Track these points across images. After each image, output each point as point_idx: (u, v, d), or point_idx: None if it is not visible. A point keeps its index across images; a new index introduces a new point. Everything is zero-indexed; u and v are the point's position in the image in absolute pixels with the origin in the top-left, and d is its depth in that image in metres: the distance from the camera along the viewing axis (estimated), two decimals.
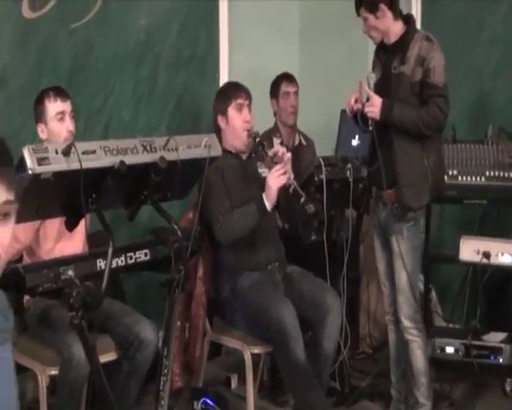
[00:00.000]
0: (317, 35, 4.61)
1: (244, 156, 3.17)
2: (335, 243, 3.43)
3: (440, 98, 2.90)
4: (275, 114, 4.06)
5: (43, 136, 2.90)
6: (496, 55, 4.04)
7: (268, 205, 2.91)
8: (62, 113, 2.89)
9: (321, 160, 3.26)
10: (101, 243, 2.84)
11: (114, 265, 2.41)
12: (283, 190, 2.93)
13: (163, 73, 4.01)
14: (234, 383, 3.72)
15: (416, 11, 4.23)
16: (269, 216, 3.02)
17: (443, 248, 3.80)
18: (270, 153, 3.00)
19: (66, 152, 2.13)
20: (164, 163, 2.39)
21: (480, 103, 4.04)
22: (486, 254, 2.59)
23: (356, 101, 2.99)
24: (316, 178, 3.22)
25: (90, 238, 2.75)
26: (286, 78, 4.04)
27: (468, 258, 2.65)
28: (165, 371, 2.64)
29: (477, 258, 2.61)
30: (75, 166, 2.14)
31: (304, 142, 4.08)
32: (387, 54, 3.03)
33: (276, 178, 2.89)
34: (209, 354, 3.29)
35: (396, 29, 2.99)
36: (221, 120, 3.12)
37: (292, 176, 2.94)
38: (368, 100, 2.94)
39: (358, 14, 3.02)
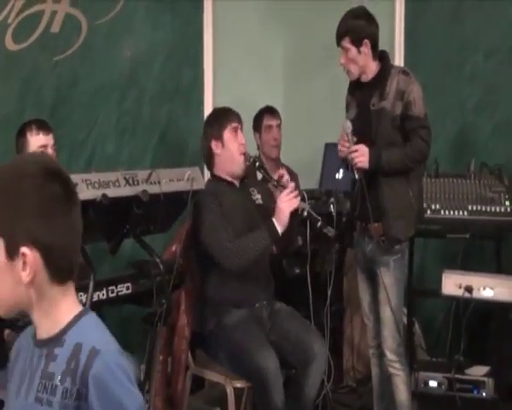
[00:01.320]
0: (300, 70, 4.64)
1: (237, 183, 3.13)
2: (319, 277, 3.44)
3: (423, 130, 2.96)
4: (258, 148, 4.09)
5: None
6: (478, 91, 4.11)
7: (279, 229, 2.85)
8: (44, 146, 2.92)
9: (304, 193, 3.27)
10: (83, 275, 2.87)
11: (96, 298, 2.43)
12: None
13: (147, 106, 4.04)
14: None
15: (399, 47, 4.28)
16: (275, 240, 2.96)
17: (425, 282, 3.83)
18: (276, 176, 2.99)
19: None
20: (146, 196, 2.42)
21: (463, 138, 4.10)
22: (468, 289, 2.62)
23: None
24: (299, 212, 3.22)
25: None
26: (268, 111, 4.08)
27: (450, 292, 2.68)
28: (147, 405, 2.64)
29: (459, 292, 2.64)
30: None
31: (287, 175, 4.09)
32: (364, 91, 3.04)
33: (289, 202, 2.86)
34: (192, 387, 3.26)
35: (373, 67, 3.02)
36: (215, 146, 3.06)
37: (307, 206, 2.95)
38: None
39: (339, 45, 3.02)
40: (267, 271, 3.14)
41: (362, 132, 3.01)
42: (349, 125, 3.00)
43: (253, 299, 3.04)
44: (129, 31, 3.93)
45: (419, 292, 3.68)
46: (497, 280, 2.59)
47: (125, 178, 2.42)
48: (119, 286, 2.53)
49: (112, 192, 2.34)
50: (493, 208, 3.40)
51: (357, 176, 2.98)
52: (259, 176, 3.48)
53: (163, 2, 4.11)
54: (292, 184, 2.93)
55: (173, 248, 3.12)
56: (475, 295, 2.62)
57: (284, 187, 2.92)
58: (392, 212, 2.97)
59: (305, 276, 3.26)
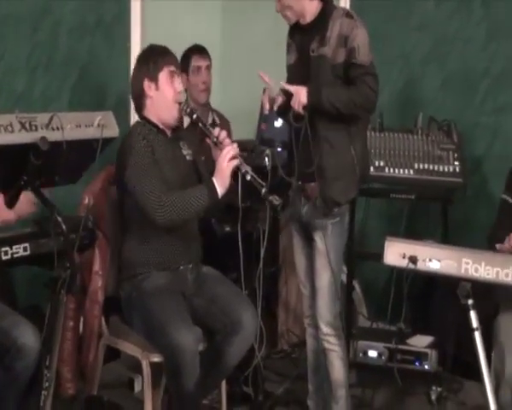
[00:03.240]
0: (241, 3, 4.37)
1: (169, 133, 2.87)
2: (251, 236, 3.22)
3: (368, 76, 2.74)
4: (186, 91, 3.79)
5: None
6: (427, 41, 3.89)
7: (219, 190, 2.65)
8: None
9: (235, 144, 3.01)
10: None
11: None
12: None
13: (64, 39, 3.72)
14: (137, 386, 3.50)
15: None
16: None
17: (367, 245, 3.66)
18: (216, 133, 2.72)
19: None
20: (45, 144, 2.12)
21: (410, 90, 3.90)
22: (413, 259, 2.41)
23: (271, 101, 2.82)
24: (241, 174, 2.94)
25: None
26: (197, 50, 3.77)
27: (393, 262, 2.46)
28: (47, 383, 2.38)
29: (403, 262, 2.43)
30: None
31: (217, 121, 3.84)
32: (303, 35, 2.83)
33: (227, 161, 2.63)
34: (108, 355, 3.02)
35: (312, 8, 2.79)
36: (148, 86, 2.78)
37: (249, 168, 2.70)
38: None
39: None
40: (194, 230, 2.92)
41: (300, 80, 2.79)
42: (275, 93, 2.80)
43: (177, 261, 2.82)
44: None
45: (360, 256, 3.51)
46: (444, 251, 2.39)
47: (20, 122, 2.13)
48: (15, 247, 2.25)
49: (2, 138, 2.03)
50: (441, 168, 3.26)
51: (293, 123, 2.76)
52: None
53: None
54: (234, 145, 2.69)
55: (85, 201, 2.82)
56: (420, 266, 2.41)
57: (223, 145, 2.68)
58: (330, 170, 2.76)
59: (236, 235, 3.05)
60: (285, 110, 2.83)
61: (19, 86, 3.56)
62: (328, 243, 2.84)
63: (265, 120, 4.02)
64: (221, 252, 3.26)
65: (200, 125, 2.74)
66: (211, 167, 2.77)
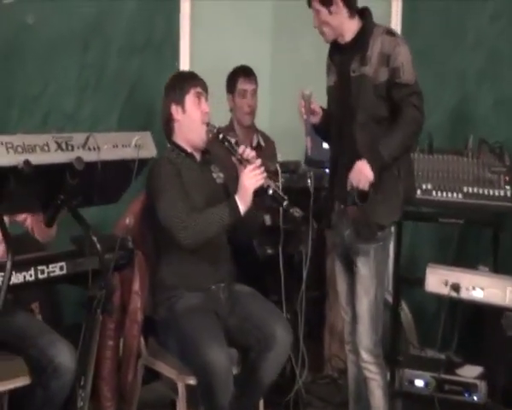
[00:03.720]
0: (290, 26, 4.36)
1: (198, 157, 2.92)
2: (293, 258, 3.18)
3: (414, 96, 2.67)
4: (231, 110, 3.80)
5: None
6: (480, 59, 3.80)
7: (242, 208, 2.67)
8: None
9: (278, 166, 3.00)
10: (27, 247, 2.61)
11: (21, 280, 2.17)
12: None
13: (114, 59, 3.76)
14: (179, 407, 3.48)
15: (396, 9, 4.00)
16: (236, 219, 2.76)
17: (415, 270, 3.56)
18: (241, 150, 2.75)
19: None
20: (81, 164, 2.13)
21: (462, 110, 3.80)
22: (455, 287, 2.35)
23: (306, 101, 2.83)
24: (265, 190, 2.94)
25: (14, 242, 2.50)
26: (243, 73, 3.77)
27: (434, 289, 2.42)
28: (82, 403, 2.38)
29: (445, 290, 2.37)
30: None
31: (262, 143, 3.83)
32: (343, 55, 2.79)
33: (252, 178, 2.66)
34: (147, 376, 3.03)
35: (351, 26, 2.75)
36: (175, 110, 2.86)
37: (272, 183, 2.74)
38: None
39: (310, 6, 2.77)
40: (224, 249, 2.92)
41: (340, 102, 2.76)
42: (307, 92, 2.81)
43: (208, 281, 2.83)
44: None
45: (407, 281, 3.41)
46: (488, 280, 2.33)
47: (56, 143, 2.13)
48: (51, 266, 2.26)
49: (38, 158, 2.06)
50: (492, 192, 3.13)
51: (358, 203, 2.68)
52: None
53: None
54: (258, 161, 2.70)
55: (126, 222, 2.84)
56: (463, 294, 2.35)
57: (249, 162, 2.70)
58: (373, 193, 2.68)
59: (278, 257, 3.04)
60: (322, 127, 2.84)
61: (69, 106, 3.61)
62: (370, 268, 2.78)
63: (314, 141, 3.99)
64: (263, 274, 3.25)
65: (225, 143, 2.76)
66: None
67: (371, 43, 2.69)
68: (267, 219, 2.83)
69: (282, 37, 4.44)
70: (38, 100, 3.48)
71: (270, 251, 3.26)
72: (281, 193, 2.66)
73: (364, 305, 2.80)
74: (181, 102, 2.85)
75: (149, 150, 2.39)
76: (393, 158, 2.66)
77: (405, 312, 3.70)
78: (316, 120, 2.84)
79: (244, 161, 2.70)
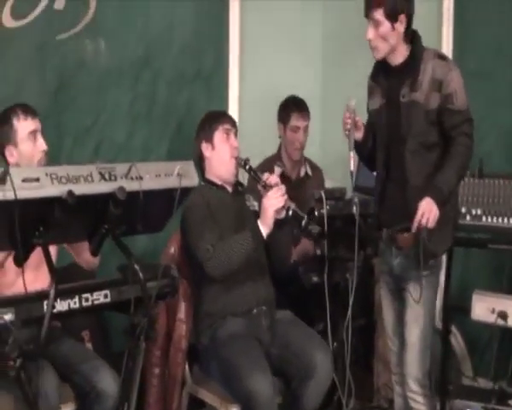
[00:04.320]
0: (340, 54, 4.38)
1: (230, 189, 3.01)
2: (339, 286, 3.16)
3: (467, 123, 2.65)
4: (280, 137, 3.82)
5: (12, 159, 2.72)
6: None
7: (264, 230, 2.75)
8: (34, 131, 2.72)
9: (322, 193, 3.01)
10: (76, 275, 2.68)
11: (65, 308, 2.22)
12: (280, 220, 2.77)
13: (163, 91, 3.84)
14: None
15: (447, 29, 3.94)
16: (257, 251, 2.82)
17: (466, 298, 3.47)
18: (264, 177, 2.83)
19: (1, 179, 1.94)
20: (123, 194, 2.18)
21: None
22: (502, 315, 2.29)
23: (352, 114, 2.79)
24: (316, 214, 2.97)
25: (62, 272, 2.58)
26: (297, 108, 3.76)
27: (481, 317, 2.38)
28: None
29: (491, 318, 2.32)
30: (11, 195, 1.94)
31: (310, 172, 3.85)
32: (391, 78, 2.74)
33: (273, 200, 2.74)
34: (192, 405, 3.04)
35: (403, 49, 2.71)
36: (206, 148, 3.00)
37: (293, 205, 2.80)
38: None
39: (368, 16, 2.69)
40: (263, 273, 2.96)
41: (390, 128, 2.73)
42: (352, 103, 2.77)
43: (250, 304, 2.87)
44: (144, 7, 3.72)
45: (456, 309, 3.34)
46: None
47: (100, 173, 2.19)
48: (96, 294, 2.30)
49: (82, 189, 2.12)
50: None
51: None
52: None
53: None
54: (282, 187, 2.78)
55: (171, 251, 2.91)
56: (510, 323, 2.28)
57: (272, 188, 2.77)
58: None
59: (323, 285, 3.02)
60: (362, 146, 2.81)
61: (120, 136, 3.70)
62: (422, 295, 2.72)
63: (362, 168, 3.97)
64: (308, 302, 3.24)
65: (251, 173, 2.86)
66: None
67: (422, 68, 2.65)
68: (315, 227, 2.84)
69: (331, 64, 4.46)
70: (90, 131, 3.58)
71: (315, 279, 3.25)
72: (300, 212, 2.73)
73: (414, 334, 2.75)
74: (210, 140, 2.96)
75: (192, 179, 2.43)
76: (452, 191, 2.66)
77: (458, 340, 3.61)
78: (359, 135, 2.81)
79: (268, 188, 2.77)
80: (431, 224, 2.58)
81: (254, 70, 4.19)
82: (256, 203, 3.00)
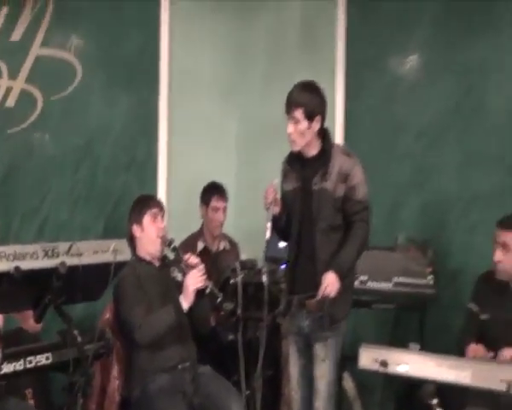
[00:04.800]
0: (251, 147, 4.54)
1: (157, 263, 3.04)
2: (251, 342, 3.22)
3: (365, 211, 2.76)
4: (202, 217, 3.91)
5: None
6: (408, 169, 3.97)
7: (185, 305, 2.82)
8: None
9: (237, 264, 3.09)
10: (22, 339, 2.64)
11: (11, 369, 2.20)
12: (199, 292, 2.84)
13: (101, 176, 3.89)
14: None
15: (340, 126, 4.15)
16: (181, 315, 2.86)
17: (355, 350, 3.61)
18: (185, 257, 2.90)
19: None
20: (64, 268, 2.21)
21: (394, 213, 3.93)
22: (384, 363, 2.42)
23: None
24: (231, 282, 3.05)
25: (9, 335, 2.56)
26: (217, 192, 3.84)
27: (366, 366, 2.47)
28: None
29: (375, 366, 2.44)
30: None
31: (228, 246, 3.92)
32: (305, 167, 2.78)
33: (194, 280, 2.82)
34: None
35: (317, 143, 2.78)
36: (136, 229, 3.00)
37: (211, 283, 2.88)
38: None
39: (289, 113, 2.71)
40: (186, 333, 2.97)
41: (302, 209, 2.78)
42: (277, 181, 2.83)
43: (175, 361, 2.87)
44: (85, 106, 3.80)
45: (350, 359, 3.44)
46: (411, 356, 2.41)
47: (44, 251, 2.22)
48: (39, 356, 2.29)
49: (27, 264, 2.14)
50: (417, 281, 3.24)
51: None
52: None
53: (119, 81, 4.00)
54: (201, 266, 2.86)
55: (107, 316, 2.92)
56: (390, 369, 2.41)
57: (193, 267, 2.86)
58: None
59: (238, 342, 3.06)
60: (278, 220, 2.81)
61: (62, 216, 3.71)
62: (328, 354, 2.78)
63: (272, 241, 4.08)
64: (226, 357, 3.27)
65: (174, 253, 2.91)
66: None
67: (332, 161, 2.72)
68: (228, 305, 2.92)
69: (244, 154, 4.61)
70: (36, 212, 3.58)
71: (231, 337, 3.30)
72: (216, 291, 2.83)
73: (323, 385, 2.79)
74: (140, 223, 2.98)
75: (125, 254, 2.48)
76: (351, 268, 2.76)
77: (349, 385, 3.71)
78: (277, 210, 2.80)
79: (189, 267, 2.85)
80: (333, 294, 2.66)
81: (181, 159, 4.27)
82: (180, 275, 3.03)
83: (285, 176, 2.87)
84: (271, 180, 2.83)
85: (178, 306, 2.80)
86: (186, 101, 4.30)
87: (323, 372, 2.79)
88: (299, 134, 2.72)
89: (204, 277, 2.83)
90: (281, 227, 2.89)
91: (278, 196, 2.80)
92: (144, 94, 4.14)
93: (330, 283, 2.66)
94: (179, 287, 2.91)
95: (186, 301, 2.80)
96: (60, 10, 3.87)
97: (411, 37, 3.98)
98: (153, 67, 4.16)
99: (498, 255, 2.83)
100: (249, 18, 4.43)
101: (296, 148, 2.77)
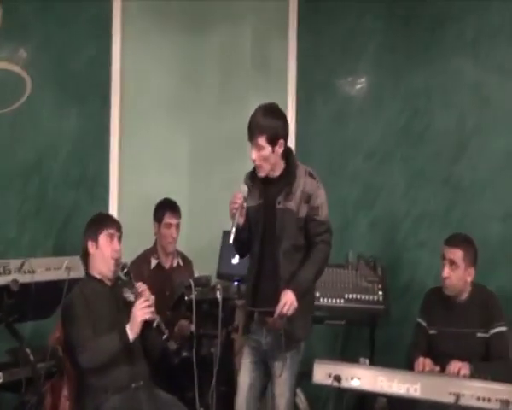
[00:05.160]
0: (203, 165, 4.55)
1: (109, 283, 2.97)
2: (206, 359, 3.23)
3: (327, 233, 2.79)
4: (155, 234, 3.90)
5: None
6: (357, 189, 4.08)
7: (131, 335, 2.76)
8: None
9: (191, 281, 3.10)
10: None
11: None
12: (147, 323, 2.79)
13: (51, 192, 3.83)
14: None
15: (291, 146, 4.19)
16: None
17: (310, 364, 3.65)
18: (137, 285, 2.85)
19: None
20: (16, 286, 2.18)
21: (343, 231, 4.01)
22: (337, 378, 2.47)
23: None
24: (186, 298, 3.06)
25: None
26: (170, 208, 3.82)
27: (320, 381, 2.52)
28: None
29: (329, 381, 2.49)
30: None
31: (181, 263, 3.91)
32: (269, 185, 2.77)
33: (141, 311, 2.76)
34: None
35: (281, 164, 2.78)
36: (91, 246, 2.93)
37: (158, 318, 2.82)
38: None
39: (252, 140, 2.70)
40: (138, 352, 2.91)
41: (266, 227, 2.76)
42: (245, 188, 2.75)
43: (128, 381, 2.81)
44: (35, 121, 3.75)
45: (304, 375, 3.49)
46: (363, 371, 2.48)
47: None
48: None
49: None
50: (367, 297, 3.32)
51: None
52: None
53: (70, 95, 3.97)
54: (152, 298, 2.82)
55: (57, 334, 2.86)
56: (344, 384, 2.47)
57: (141, 296, 2.81)
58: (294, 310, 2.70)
59: (192, 359, 3.07)
60: (241, 231, 2.75)
61: (11, 233, 3.64)
62: (286, 372, 2.79)
63: (224, 257, 4.11)
64: (180, 374, 3.27)
65: (126, 278, 2.85)
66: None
67: (296, 182, 2.73)
68: (172, 344, 2.91)
69: (196, 171, 4.63)
70: None
71: (185, 354, 3.30)
72: (163, 328, 2.79)
73: (283, 403, 2.80)
74: (95, 240, 2.91)
75: (78, 271, 2.47)
76: (310, 287, 2.78)
77: (302, 400, 3.75)
78: (241, 220, 2.75)
79: (139, 295, 2.80)
80: (290, 312, 2.66)
81: (133, 175, 4.25)
82: (132, 295, 2.93)
83: (248, 192, 2.81)
84: (240, 186, 2.75)
85: (125, 335, 2.74)
86: (138, 117, 4.30)
87: (282, 391, 2.80)
88: (264, 159, 2.72)
89: (152, 309, 2.78)
90: (243, 239, 2.81)
91: (245, 204, 2.73)
92: (95, 108, 4.12)
93: (288, 301, 2.65)
94: (131, 307, 2.85)
95: (132, 332, 2.75)
96: (8, 23, 3.83)
97: (359, 61, 4.11)
98: (104, 81, 4.16)
99: (446, 272, 2.94)
100: (201, 35, 4.48)
101: (263, 173, 2.76)
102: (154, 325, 2.76)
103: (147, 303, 2.76)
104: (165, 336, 2.77)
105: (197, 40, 4.50)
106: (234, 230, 2.68)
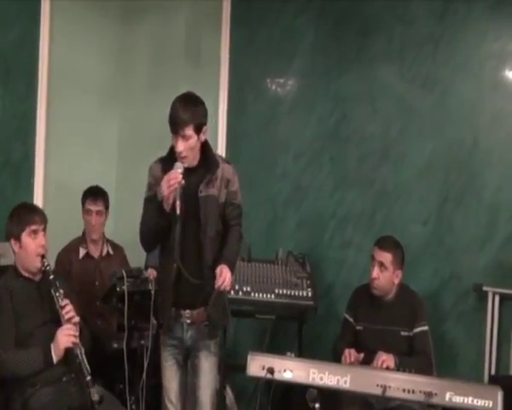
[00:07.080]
0: (133, 153, 4.57)
1: (37, 278, 2.91)
2: (136, 351, 3.28)
3: (241, 217, 2.91)
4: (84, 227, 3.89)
5: None
6: (287, 187, 4.22)
7: (54, 358, 2.74)
8: None
9: (124, 272, 3.15)
10: None
11: None
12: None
13: None
14: None
15: (222, 142, 4.33)
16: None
17: (238, 358, 3.77)
18: (62, 303, 2.80)
19: None
20: None
21: (273, 228, 4.18)
22: (270, 370, 2.62)
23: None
24: (118, 289, 3.09)
25: None
26: (91, 195, 3.84)
27: (254, 373, 2.65)
28: None
29: (262, 373, 2.63)
30: None
31: (111, 251, 3.92)
32: (190, 176, 2.74)
33: (65, 337, 2.74)
34: None
35: (199, 154, 2.80)
36: (14, 244, 2.86)
37: (83, 350, 2.78)
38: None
39: (178, 132, 2.67)
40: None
41: (189, 217, 2.75)
42: (181, 165, 2.70)
43: (59, 373, 2.80)
44: None
45: (232, 367, 3.61)
46: (295, 363, 2.63)
47: None
48: None
49: None
50: (297, 293, 3.48)
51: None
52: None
53: None
54: (76, 320, 2.79)
55: None
56: (276, 376, 2.62)
57: (66, 318, 2.78)
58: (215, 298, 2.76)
59: (122, 351, 3.11)
60: (166, 215, 2.70)
61: None
62: (211, 361, 2.85)
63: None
64: (110, 366, 3.30)
65: (52, 288, 2.80)
66: None
67: (216, 169, 2.79)
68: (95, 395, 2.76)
69: (125, 159, 4.62)
70: None
71: (115, 345, 3.34)
72: (87, 366, 2.74)
73: (208, 394, 2.84)
74: (18, 239, 2.85)
75: (9, 258, 2.43)
76: (235, 261, 2.91)
77: (229, 394, 3.87)
78: (169, 204, 2.69)
79: (62, 313, 2.77)
80: (227, 284, 2.69)
81: (59, 161, 4.20)
82: (62, 291, 2.85)
83: (158, 181, 2.74)
84: (174, 165, 2.69)
85: (48, 355, 2.71)
86: (65, 101, 4.26)
87: (207, 383, 2.84)
88: (190, 149, 2.72)
89: (76, 338, 2.74)
90: (162, 227, 2.74)
91: (183, 181, 2.67)
92: (21, 91, 4.05)
93: (224, 272, 2.68)
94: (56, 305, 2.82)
95: (56, 355, 2.73)
96: None
97: (291, 62, 4.23)
98: (31, 63, 4.09)
99: (376, 273, 3.15)
100: (133, 21, 4.49)
101: (187, 162, 2.74)
102: (77, 361, 2.72)
103: (72, 330, 2.73)
104: (88, 378, 2.70)
105: (130, 28, 4.51)
106: (179, 202, 2.65)
